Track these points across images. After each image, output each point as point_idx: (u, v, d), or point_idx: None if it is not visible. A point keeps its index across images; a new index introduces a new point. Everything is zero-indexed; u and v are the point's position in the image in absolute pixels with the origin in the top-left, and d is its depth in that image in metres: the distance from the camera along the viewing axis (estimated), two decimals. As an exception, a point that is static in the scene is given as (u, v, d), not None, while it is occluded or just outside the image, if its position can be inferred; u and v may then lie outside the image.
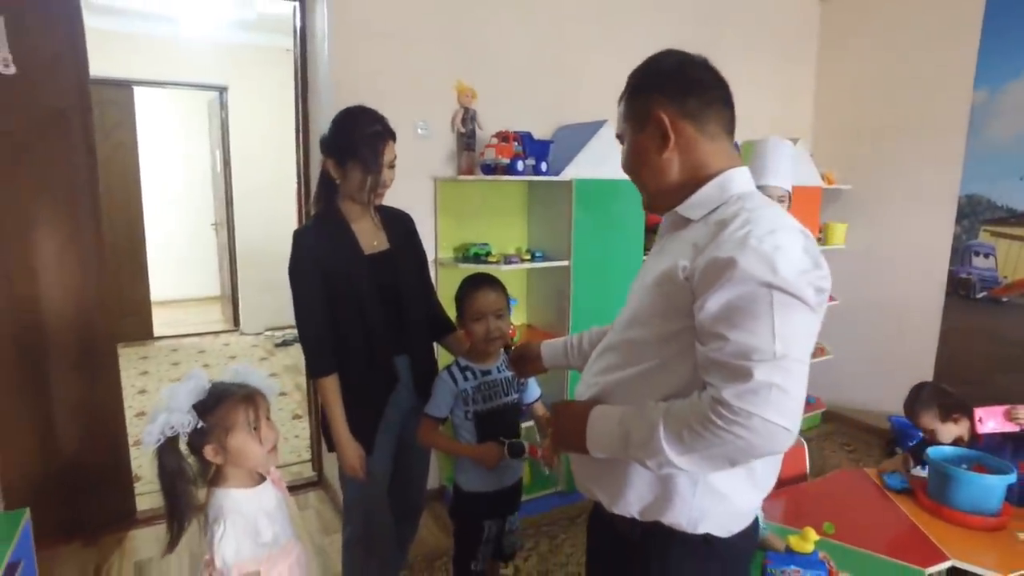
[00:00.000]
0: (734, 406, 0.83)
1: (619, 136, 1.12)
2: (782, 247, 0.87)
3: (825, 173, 3.77)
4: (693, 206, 1.02)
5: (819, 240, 3.69)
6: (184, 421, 1.22)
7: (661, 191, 1.06)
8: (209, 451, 1.27)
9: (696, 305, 0.91)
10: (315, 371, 1.76)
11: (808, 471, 2.20)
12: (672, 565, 1.03)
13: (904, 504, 1.94)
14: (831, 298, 4.05)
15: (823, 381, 4.04)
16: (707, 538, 1.01)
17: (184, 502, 1.26)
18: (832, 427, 3.91)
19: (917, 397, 2.14)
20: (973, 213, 3.30)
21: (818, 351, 3.92)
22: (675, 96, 1.01)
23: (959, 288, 3.37)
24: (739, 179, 1.01)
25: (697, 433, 0.87)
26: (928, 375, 3.48)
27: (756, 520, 1.11)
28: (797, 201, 3.40)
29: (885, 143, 3.68)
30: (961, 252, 3.36)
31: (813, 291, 0.88)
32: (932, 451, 1.96)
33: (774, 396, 0.83)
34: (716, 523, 1.01)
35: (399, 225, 1.90)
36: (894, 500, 1.97)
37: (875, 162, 3.73)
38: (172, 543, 1.28)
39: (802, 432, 3.72)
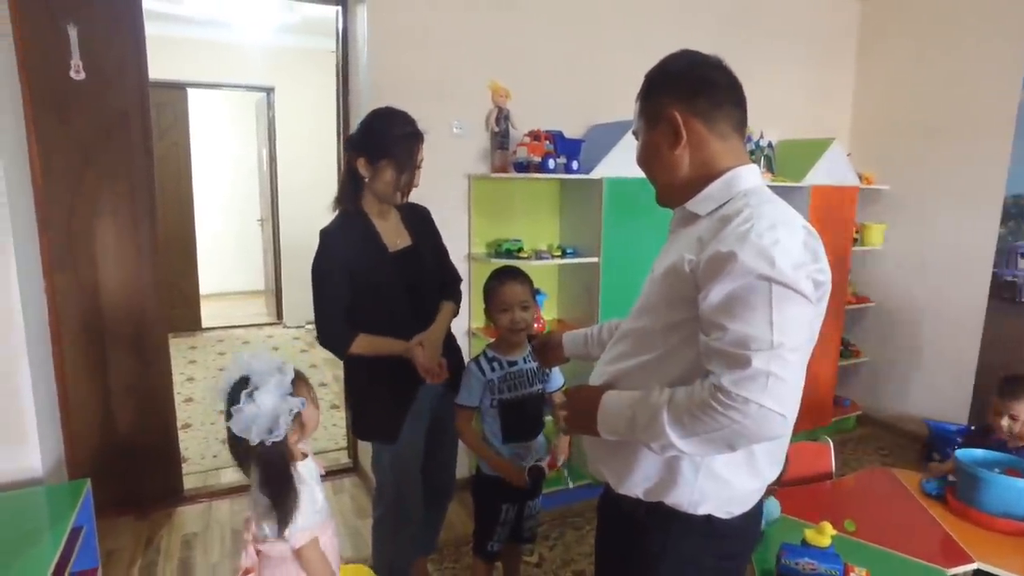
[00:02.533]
0: (732, 392, 0.88)
1: (635, 132, 1.17)
2: (781, 241, 0.91)
3: (863, 173, 3.70)
4: (701, 201, 1.06)
5: (855, 241, 3.63)
6: (299, 403, 1.29)
7: (671, 186, 1.11)
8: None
9: (700, 296, 0.96)
10: (344, 344, 1.79)
11: (833, 470, 2.19)
12: (673, 541, 1.07)
13: (931, 506, 1.92)
14: (867, 300, 3.92)
15: (859, 384, 3.97)
16: (708, 519, 1.05)
17: (293, 499, 1.28)
18: (867, 431, 3.83)
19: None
20: (1020, 214, 3.19)
21: (853, 353, 3.85)
22: (686, 96, 1.06)
23: (1003, 291, 3.27)
24: (746, 176, 1.05)
25: (697, 417, 0.91)
26: (969, 381, 3.39)
27: (760, 507, 1.15)
28: (832, 201, 3.36)
29: (926, 142, 3.58)
30: (1006, 254, 3.26)
31: (811, 284, 0.92)
32: (960, 453, 1.93)
33: (770, 383, 0.87)
34: (716, 506, 1.05)
35: (416, 217, 1.97)
36: (921, 501, 1.95)
37: (915, 162, 3.64)
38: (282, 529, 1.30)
39: (837, 435, 3.68)
